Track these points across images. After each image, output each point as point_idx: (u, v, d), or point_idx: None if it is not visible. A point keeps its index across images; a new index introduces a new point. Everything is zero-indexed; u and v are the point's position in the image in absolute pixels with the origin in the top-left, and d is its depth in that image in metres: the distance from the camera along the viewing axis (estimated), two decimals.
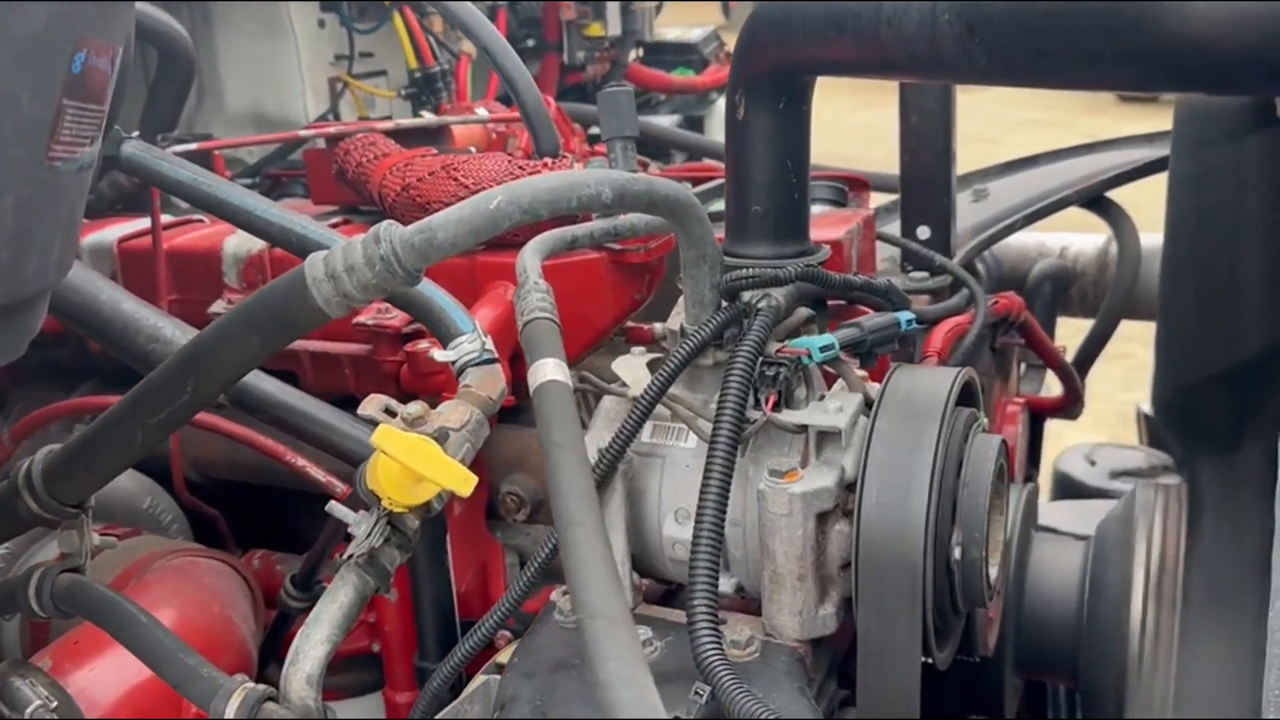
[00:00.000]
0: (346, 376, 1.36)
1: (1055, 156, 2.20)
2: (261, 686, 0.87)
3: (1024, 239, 2.26)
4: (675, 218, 0.93)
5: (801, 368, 0.96)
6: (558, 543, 0.72)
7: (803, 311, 1.06)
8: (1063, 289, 2.23)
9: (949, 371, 0.95)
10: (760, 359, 0.94)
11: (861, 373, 1.01)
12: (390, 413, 0.99)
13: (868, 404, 0.97)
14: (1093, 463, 2.67)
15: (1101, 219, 2.11)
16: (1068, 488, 2.57)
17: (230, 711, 0.85)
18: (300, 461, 1.33)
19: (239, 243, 1.43)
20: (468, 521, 1.28)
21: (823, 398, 0.98)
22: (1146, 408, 3.09)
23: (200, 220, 1.62)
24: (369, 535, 0.91)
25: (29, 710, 0.98)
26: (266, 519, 1.62)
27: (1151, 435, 3.01)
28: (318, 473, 1.33)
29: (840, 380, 1.00)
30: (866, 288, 1.04)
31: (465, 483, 0.82)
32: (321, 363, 1.37)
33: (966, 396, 0.97)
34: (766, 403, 0.93)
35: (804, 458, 0.94)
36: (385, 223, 0.80)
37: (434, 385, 1.25)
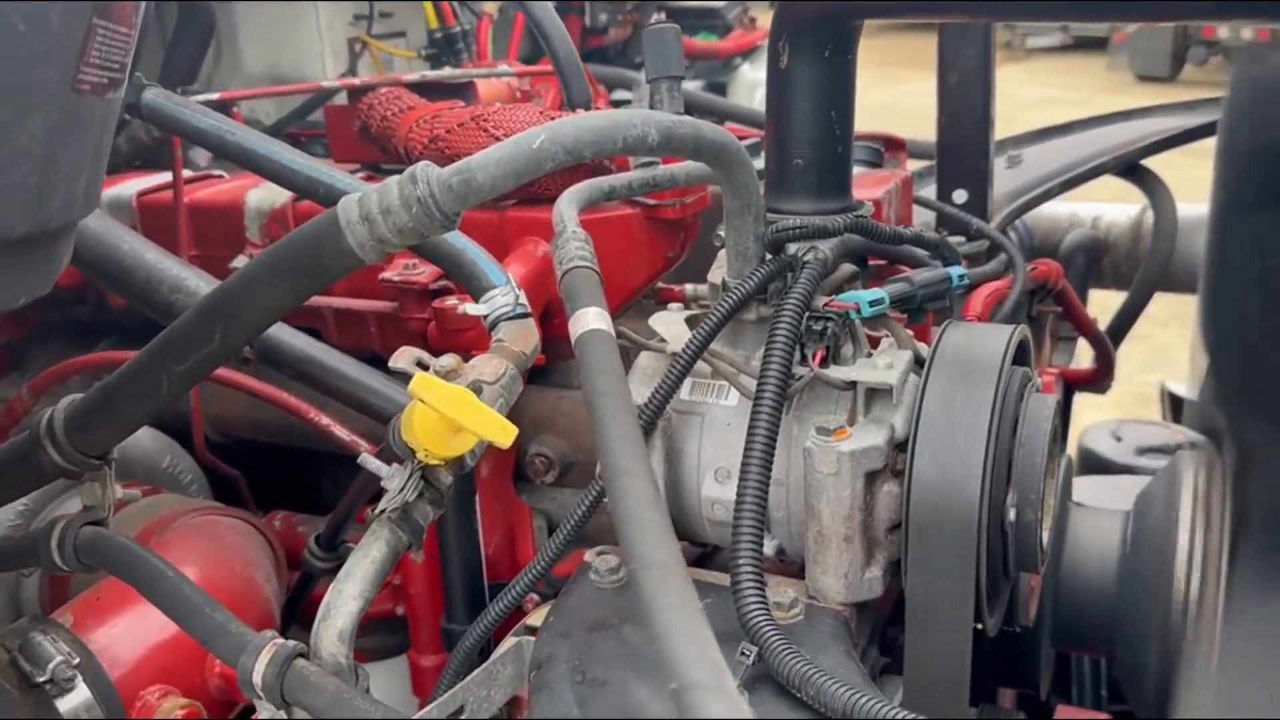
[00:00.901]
0: (372, 334, 1.33)
1: (1090, 124, 2.15)
2: (291, 643, 0.84)
3: (1056, 209, 2.22)
4: (720, 164, 0.90)
5: (849, 323, 0.92)
6: (605, 492, 0.69)
7: (846, 268, 1.02)
8: (1095, 260, 2.19)
9: (1004, 329, 0.92)
10: (807, 313, 0.91)
11: (908, 332, 0.97)
12: (422, 365, 0.96)
13: (918, 362, 0.94)
14: (1119, 439, 2.63)
15: (1137, 187, 2.06)
16: (1093, 464, 2.53)
17: (259, 667, 0.82)
18: (324, 420, 1.30)
19: (262, 196, 1.40)
20: (495, 484, 1.25)
21: (870, 355, 0.94)
22: (1171, 386, 3.05)
23: (219, 176, 1.59)
24: (402, 489, 0.88)
25: (51, 666, 0.96)
26: (287, 481, 1.59)
27: (1175, 412, 2.97)
28: (342, 431, 1.31)
29: (887, 339, 0.97)
30: (918, 240, 1.00)
31: (504, 433, 0.79)
32: (346, 320, 1.34)
33: (1020, 356, 0.94)
34: (814, 358, 0.90)
35: (851, 415, 0.91)
36: (421, 164, 0.76)
37: (463, 342, 1.22)
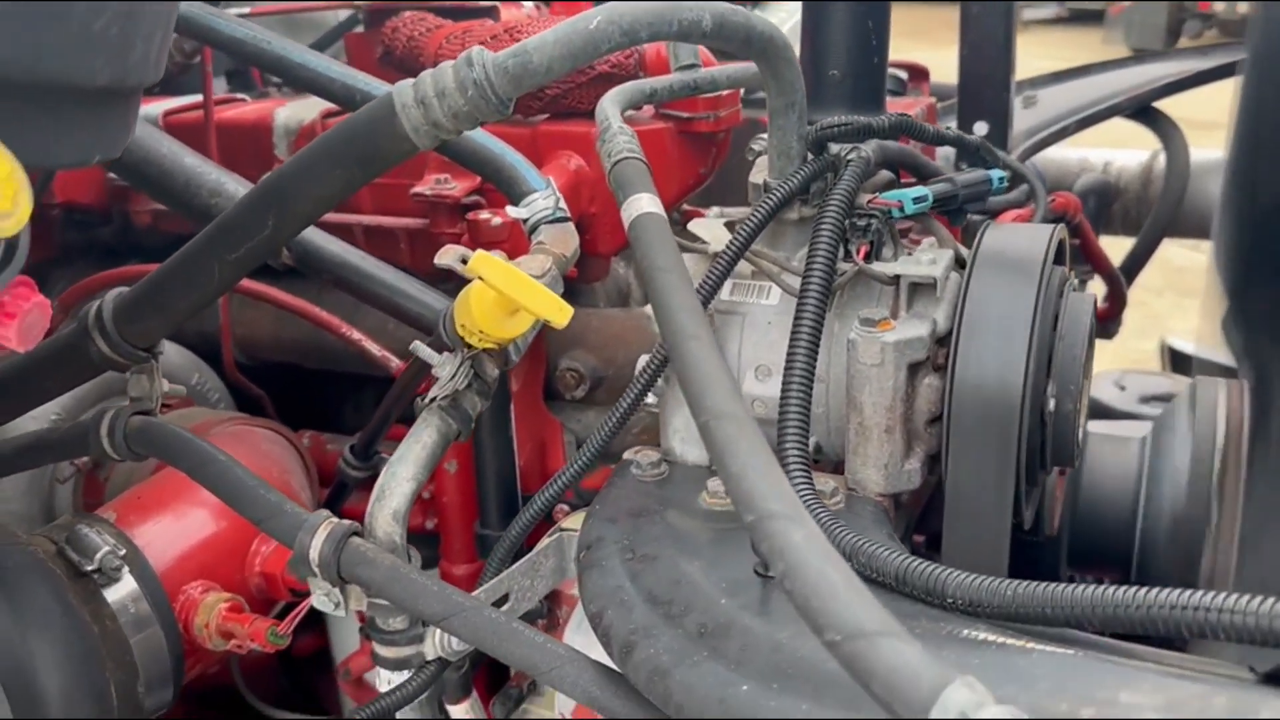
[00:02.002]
0: (402, 250, 1.34)
1: (1105, 67, 2.16)
2: (347, 522, 0.85)
3: (1066, 154, 2.23)
4: (767, 59, 0.90)
5: (890, 222, 0.94)
6: (671, 359, 0.70)
7: (884, 174, 1.04)
8: (1106, 205, 2.20)
9: (1044, 228, 0.93)
10: (851, 210, 0.92)
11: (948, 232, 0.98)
12: (465, 262, 0.97)
13: (958, 262, 0.95)
14: (1122, 388, 2.67)
15: (1150, 130, 2.07)
16: (1097, 411, 2.56)
17: (316, 544, 0.84)
18: (355, 335, 1.31)
19: (289, 114, 1.41)
20: (527, 397, 1.26)
21: (909, 254, 0.96)
22: (1172, 341, 3.08)
23: (242, 99, 1.59)
24: (453, 377, 0.90)
25: (99, 556, 0.97)
26: (308, 405, 1.60)
27: (1176, 369, 3.00)
28: (372, 346, 1.32)
29: (927, 239, 0.98)
30: (959, 142, 1.01)
31: (561, 312, 0.80)
32: (376, 237, 1.35)
33: (1058, 255, 0.95)
34: (858, 253, 0.91)
35: (894, 310, 0.92)
36: (476, 47, 0.77)
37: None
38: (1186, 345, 2.96)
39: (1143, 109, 2.04)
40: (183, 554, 1.06)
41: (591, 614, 0.80)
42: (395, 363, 1.31)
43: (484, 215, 1.23)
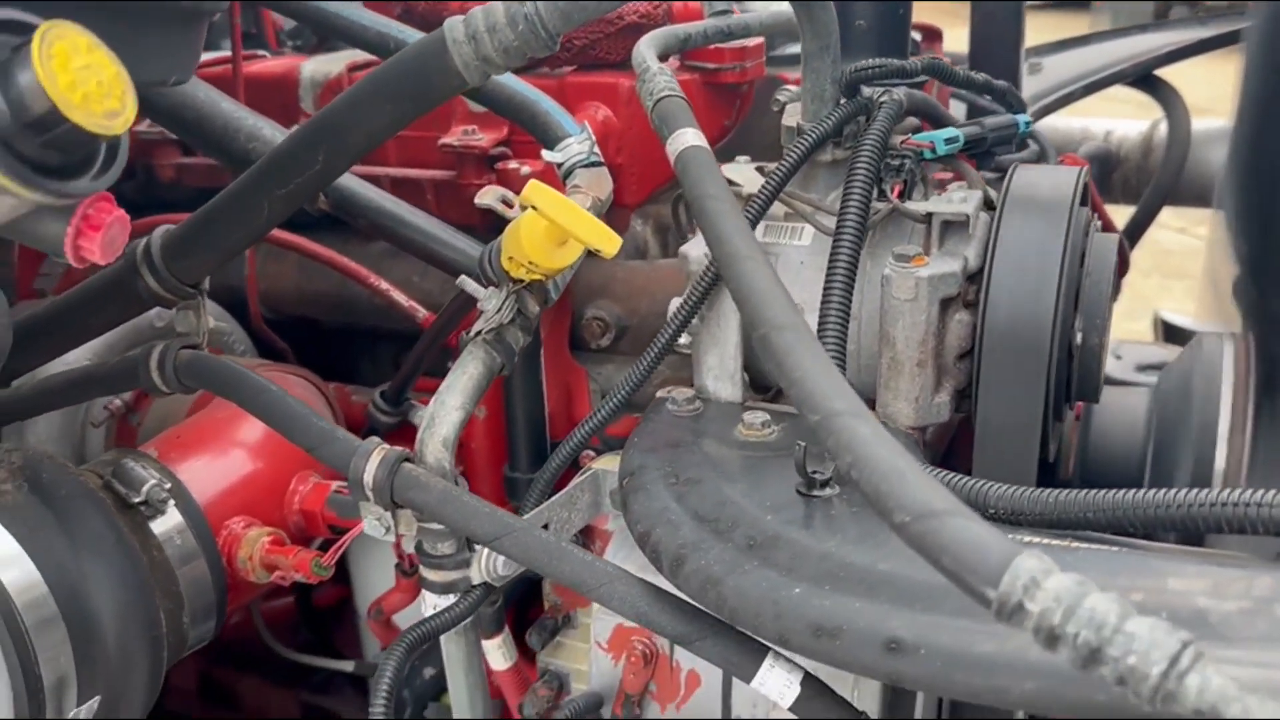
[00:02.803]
0: (429, 202, 1.36)
1: (1108, 36, 2.19)
2: (399, 448, 0.88)
3: (1068, 123, 2.26)
4: (803, 1, 0.93)
5: (921, 163, 0.96)
6: (724, 280, 0.73)
7: (912, 120, 1.06)
8: (1106, 173, 2.24)
9: (1070, 169, 0.96)
10: (885, 151, 0.94)
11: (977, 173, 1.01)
12: (507, 203, 1.00)
13: (987, 203, 0.98)
14: (1118, 357, 2.71)
15: (1152, 97, 2.11)
16: None
17: (370, 468, 0.86)
18: (384, 285, 1.33)
19: (315, 67, 1.42)
20: (554, 344, 1.28)
21: (939, 195, 0.98)
22: (1166, 315, 3.12)
23: (263, 55, 1.60)
24: (499, 310, 0.92)
25: (145, 488, 0.99)
26: (329, 361, 1.62)
27: (1169, 342, 3.04)
28: (400, 296, 1.34)
29: (956, 182, 1.01)
30: (987, 86, 1.04)
31: (610, 241, 0.83)
32: (402, 188, 1.36)
33: (1082, 197, 0.98)
34: (893, 191, 0.94)
35: (926, 248, 0.95)
36: None
37: (510, 218, 1.24)
38: (1180, 319, 3.01)
39: (1144, 77, 2.07)
40: (224, 490, 1.08)
41: (639, 534, 0.83)
42: (422, 313, 1.33)
43: (513, 165, 1.26)
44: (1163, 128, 2.18)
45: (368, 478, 0.86)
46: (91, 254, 0.63)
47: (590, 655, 1.03)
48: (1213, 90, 2.04)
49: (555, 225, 0.82)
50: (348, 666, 1.41)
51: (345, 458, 0.87)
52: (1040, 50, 2.16)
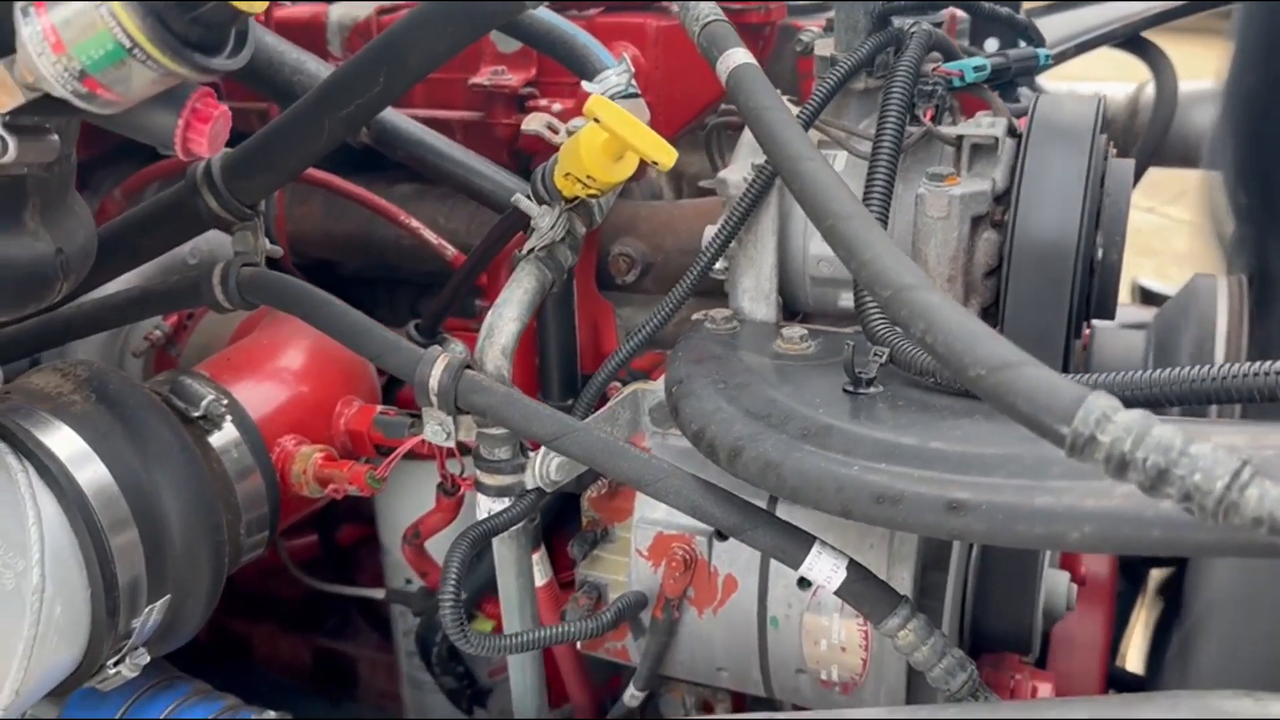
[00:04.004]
0: (458, 142, 1.39)
1: None
2: (460, 356, 0.92)
3: (1056, 87, 2.32)
4: None
5: (950, 91, 1.01)
6: (787, 182, 0.77)
7: (935, 55, 1.11)
8: None
9: (1091, 97, 1.01)
10: (917, 78, 0.99)
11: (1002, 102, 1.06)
12: (553, 129, 1.04)
13: (1010, 131, 1.03)
14: None
15: (1140, 59, 2.17)
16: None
17: (435, 374, 0.90)
18: (414, 223, 1.37)
19: (344, 11, 1.45)
20: (582, 279, 1.33)
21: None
22: (1144, 281, 3.21)
23: (285, 3, 1.63)
24: (552, 227, 0.96)
25: (204, 403, 1.03)
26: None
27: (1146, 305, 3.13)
28: (429, 234, 1.37)
29: (981, 112, 1.06)
30: (1010, 20, 1.09)
31: (667, 154, 0.87)
32: (431, 128, 1.40)
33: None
34: (925, 115, 0.99)
35: (955, 170, 1.00)
36: None
37: (555, 144, 1.29)
38: (1158, 285, 3.10)
39: (1133, 38, 2.14)
40: (274, 410, 1.12)
41: (693, 432, 0.88)
42: (451, 251, 1.37)
43: (543, 103, 1.30)
44: (1149, 90, 2.25)
45: (433, 383, 0.90)
46: (199, 146, 0.67)
47: (630, 564, 1.08)
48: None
49: (615, 138, 0.87)
50: (379, 594, 1.45)
51: (410, 365, 0.91)
52: (1032, 12, 2.22)
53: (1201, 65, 2.17)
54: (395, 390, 1.39)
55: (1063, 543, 0.61)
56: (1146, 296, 3.17)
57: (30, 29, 0.58)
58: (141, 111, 0.66)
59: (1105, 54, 2.10)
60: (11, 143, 0.65)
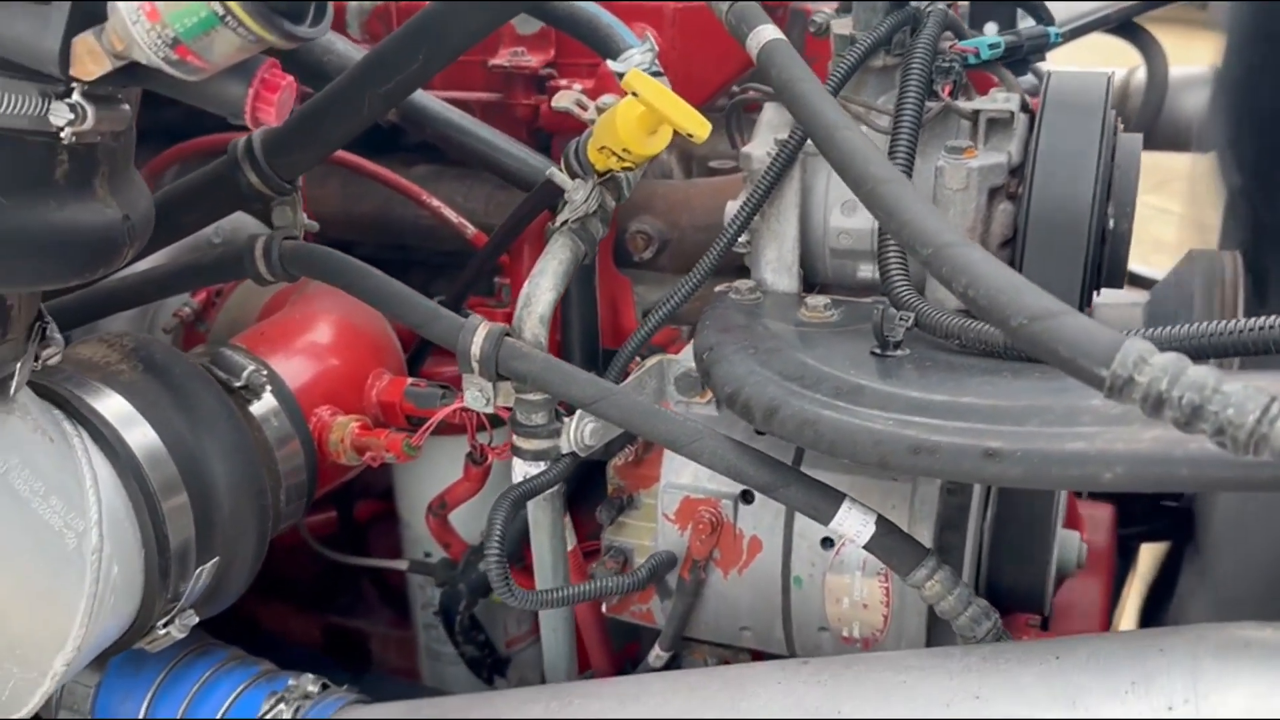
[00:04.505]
0: None
1: None
2: (499, 324, 0.95)
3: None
4: None
5: (965, 68, 1.05)
6: (825, 150, 0.81)
7: (948, 34, 1.15)
8: None
9: (1101, 73, 1.06)
10: (934, 55, 1.03)
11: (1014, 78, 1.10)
12: (582, 106, 1.07)
13: (1022, 107, 1.07)
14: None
15: (1132, 44, 2.22)
16: None
17: (477, 341, 0.94)
18: (434, 202, 1.40)
19: None
20: (602, 256, 1.36)
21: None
22: (1130, 266, 3.27)
23: None
24: (586, 200, 1.00)
25: (245, 373, 1.06)
26: None
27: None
28: (450, 214, 1.40)
29: (994, 88, 1.10)
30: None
31: (701, 126, 0.91)
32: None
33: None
34: (943, 91, 1.03)
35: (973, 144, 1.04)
36: None
37: (575, 122, 1.32)
38: (1145, 270, 3.15)
39: (1125, 24, 2.18)
40: (309, 382, 1.14)
41: (727, 395, 0.91)
42: (471, 230, 1.40)
43: (563, 84, 1.33)
44: (1140, 74, 2.30)
45: (475, 350, 0.94)
46: (268, 115, 0.70)
47: (657, 527, 1.11)
48: None
49: (651, 111, 0.90)
50: (402, 565, 1.48)
51: (453, 333, 0.95)
52: None
53: (1178, 55, 2.23)
54: (414, 369, 1.42)
55: (1096, 482, 0.65)
56: (1133, 280, 3.23)
57: None
58: (214, 82, 0.69)
59: (1090, 42, 2.15)
60: (90, 110, 0.67)
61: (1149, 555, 1.97)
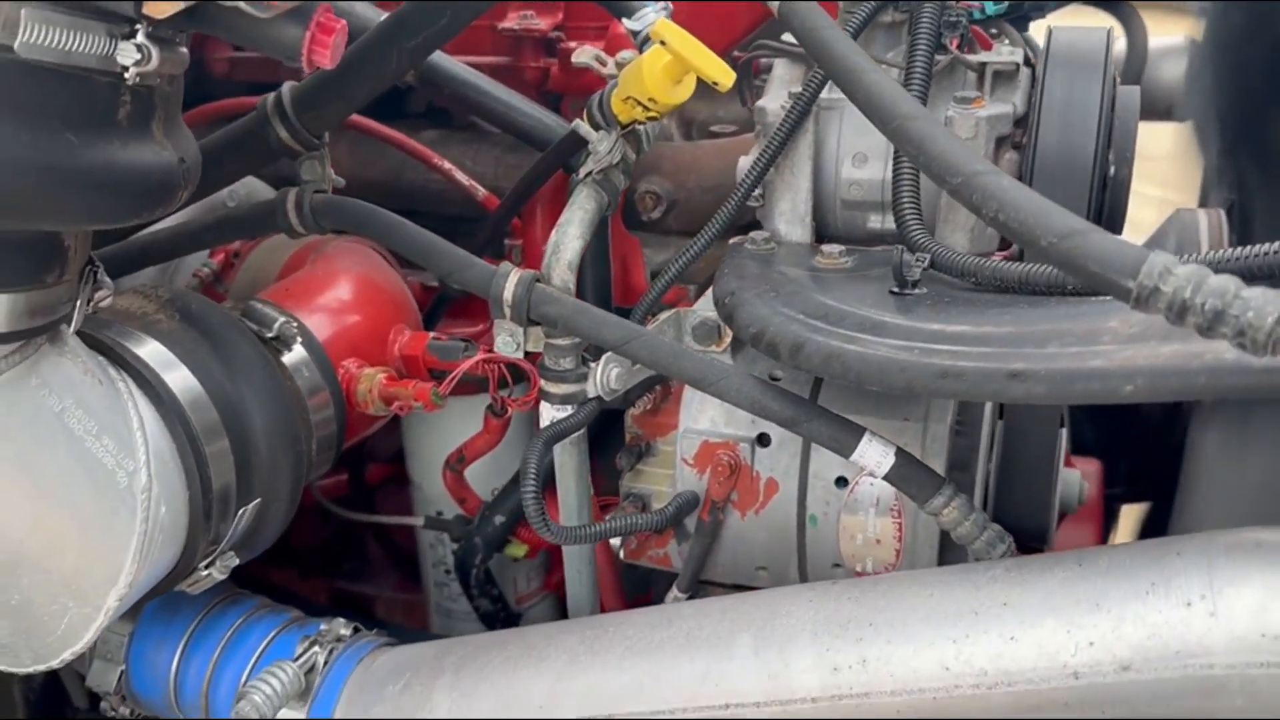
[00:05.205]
0: None
1: None
2: (530, 271, 0.99)
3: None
4: None
5: (970, 23, 1.09)
6: (850, 94, 0.85)
7: None
8: None
9: (1100, 29, 1.10)
10: (942, 10, 1.07)
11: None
12: (601, 62, 1.10)
13: (1026, 61, 1.11)
14: None
15: (1111, 15, 2.27)
16: None
17: (509, 287, 0.97)
18: (446, 164, 1.42)
19: None
20: (611, 217, 1.39)
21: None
22: None
23: None
24: (610, 151, 1.03)
25: (276, 325, 1.08)
26: None
27: None
28: (461, 176, 1.43)
29: (998, 42, 1.14)
30: None
31: (727, 75, 0.94)
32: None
33: None
34: (951, 44, 1.07)
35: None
36: None
37: (584, 83, 1.35)
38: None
39: None
40: (335, 335, 1.17)
41: (752, 335, 0.95)
42: (482, 192, 1.42)
43: (572, 45, 1.36)
44: (1120, 44, 2.35)
45: (507, 295, 0.97)
46: (323, 58, 0.73)
47: (676, 472, 1.15)
48: None
49: (678, 59, 0.93)
50: (418, 521, 1.51)
51: (485, 280, 0.98)
52: None
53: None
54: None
55: (1117, 395, 0.69)
56: None
57: None
58: (273, 25, 0.71)
59: (1071, 14, 2.20)
60: (154, 51, 0.70)
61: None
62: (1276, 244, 0.74)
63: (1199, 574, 0.69)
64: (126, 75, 0.70)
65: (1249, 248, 0.75)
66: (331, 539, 1.82)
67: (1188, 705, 0.69)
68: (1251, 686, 0.67)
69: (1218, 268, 0.76)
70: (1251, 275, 0.75)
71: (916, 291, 0.94)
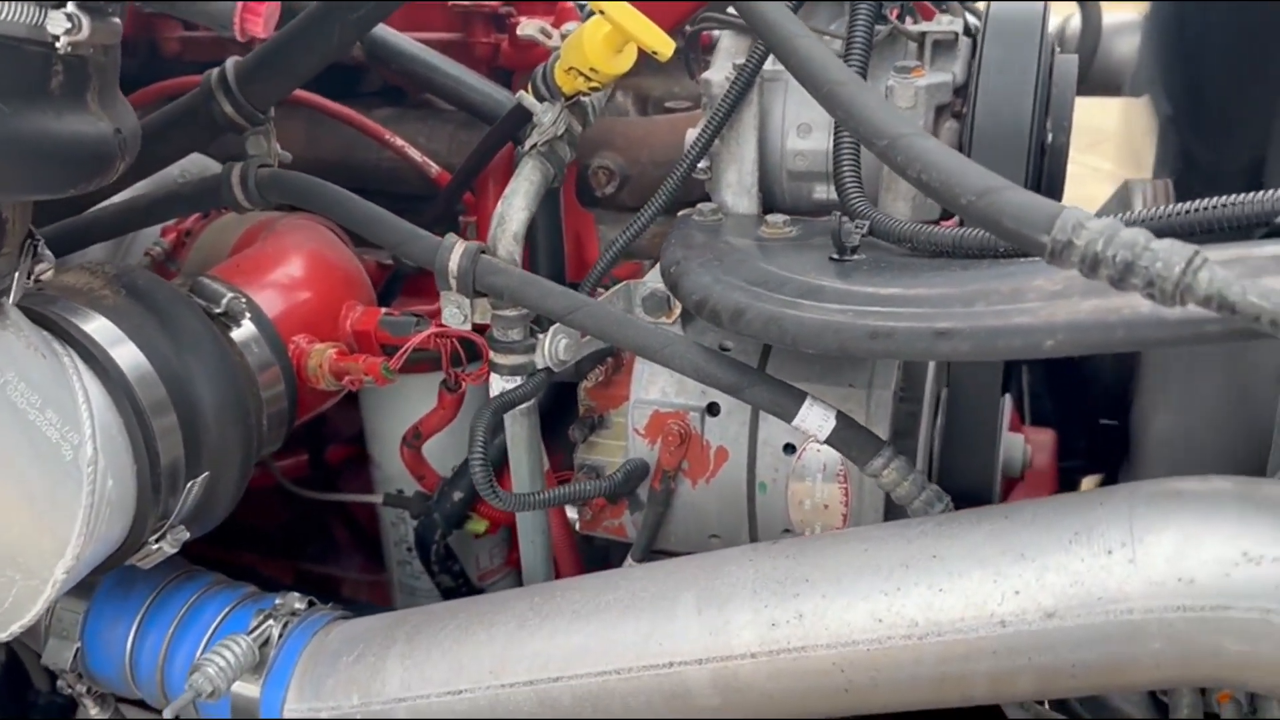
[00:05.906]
0: None
1: None
2: (475, 242, 0.99)
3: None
4: None
5: None
6: (784, 60, 0.86)
7: None
8: None
9: (1037, 2, 1.12)
10: None
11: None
12: (546, 34, 1.11)
13: (966, 31, 1.13)
14: None
15: None
16: None
17: (455, 258, 0.98)
18: (398, 141, 1.43)
19: None
20: (566, 192, 1.40)
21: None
22: None
23: None
24: (554, 123, 1.04)
25: (224, 300, 1.09)
26: None
27: None
28: (414, 153, 1.43)
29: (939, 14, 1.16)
30: None
31: (666, 44, 0.95)
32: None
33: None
34: (892, 14, 1.08)
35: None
36: None
37: (534, 58, 1.35)
38: None
39: None
40: (285, 311, 1.17)
41: (695, 303, 0.96)
42: (435, 169, 1.43)
43: (522, 20, 1.36)
44: (1075, 22, 2.38)
45: (453, 266, 0.98)
46: (256, 27, 0.73)
47: (628, 443, 1.16)
48: None
49: (617, 29, 0.94)
50: (377, 499, 1.52)
51: (430, 251, 0.98)
52: None
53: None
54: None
55: (1039, 350, 0.71)
56: None
57: None
58: None
59: None
60: (85, 21, 0.70)
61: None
62: (1190, 203, 0.76)
63: (1120, 523, 0.71)
64: (58, 45, 0.70)
65: (1165, 207, 0.77)
66: (295, 521, 1.82)
67: (1109, 650, 0.71)
68: (1169, 630, 0.69)
69: (1133, 226, 0.79)
70: (1167, 234, 0.77)
71: (856, 258, 0.96)
